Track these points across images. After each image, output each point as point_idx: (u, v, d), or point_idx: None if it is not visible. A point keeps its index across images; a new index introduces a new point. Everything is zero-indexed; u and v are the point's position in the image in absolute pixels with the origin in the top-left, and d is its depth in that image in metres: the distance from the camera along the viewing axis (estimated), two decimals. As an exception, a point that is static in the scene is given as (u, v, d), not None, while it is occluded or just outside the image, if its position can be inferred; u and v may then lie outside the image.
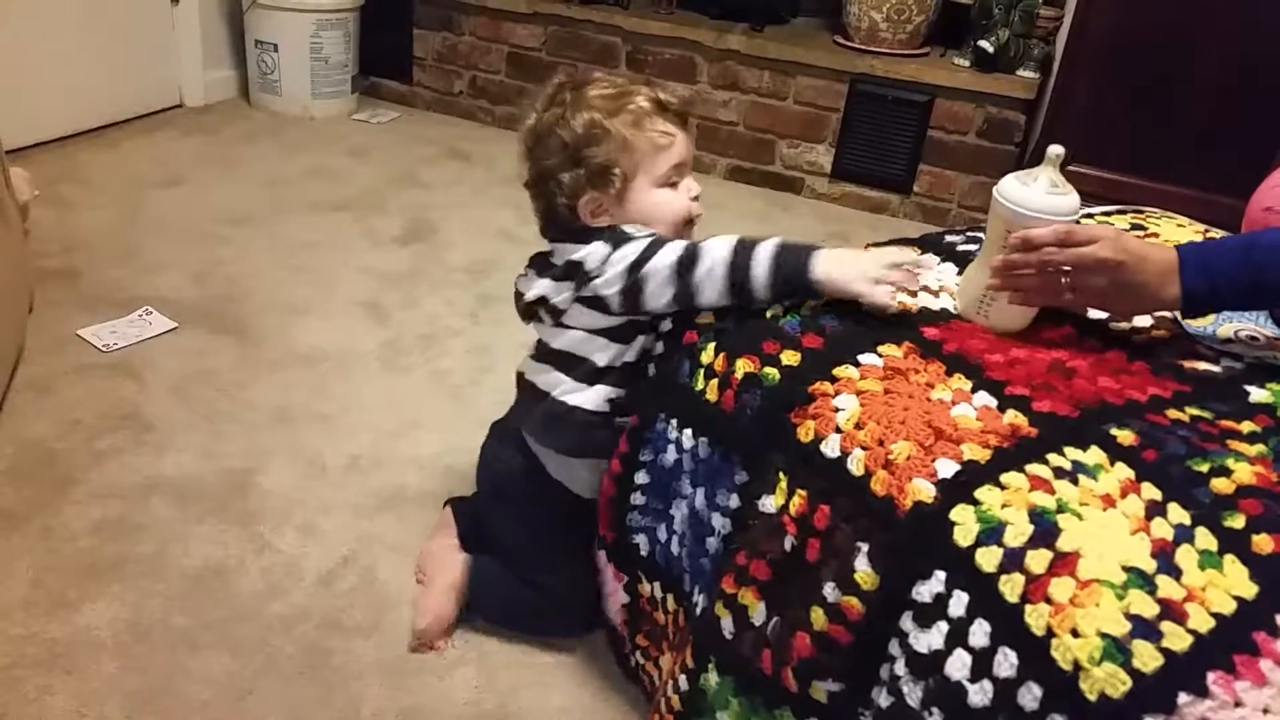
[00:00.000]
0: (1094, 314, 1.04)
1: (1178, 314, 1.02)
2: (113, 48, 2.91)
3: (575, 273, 1.09)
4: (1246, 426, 0.86)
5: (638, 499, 1.10)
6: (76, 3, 2.76)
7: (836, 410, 0.89)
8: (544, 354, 1.19)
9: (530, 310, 1.18)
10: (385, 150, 3.07)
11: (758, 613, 0.91)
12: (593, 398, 1.15)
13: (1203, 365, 0.97)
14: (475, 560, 1.32)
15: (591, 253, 1.08)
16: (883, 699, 0.81)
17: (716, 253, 1.03)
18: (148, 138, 2.94)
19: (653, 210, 1.12)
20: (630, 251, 1.06)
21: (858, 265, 0.99)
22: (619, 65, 3.15)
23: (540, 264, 1.16)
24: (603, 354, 1.13)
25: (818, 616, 0.84)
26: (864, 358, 0.94)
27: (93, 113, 2.90)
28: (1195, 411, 0.88)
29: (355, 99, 3.40)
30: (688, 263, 1.03)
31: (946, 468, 0.81)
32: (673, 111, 1.13)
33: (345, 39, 3.24)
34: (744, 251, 1.02)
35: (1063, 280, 0.95)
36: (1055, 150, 0.97)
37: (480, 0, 3.24)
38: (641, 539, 1.11)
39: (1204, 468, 0.79)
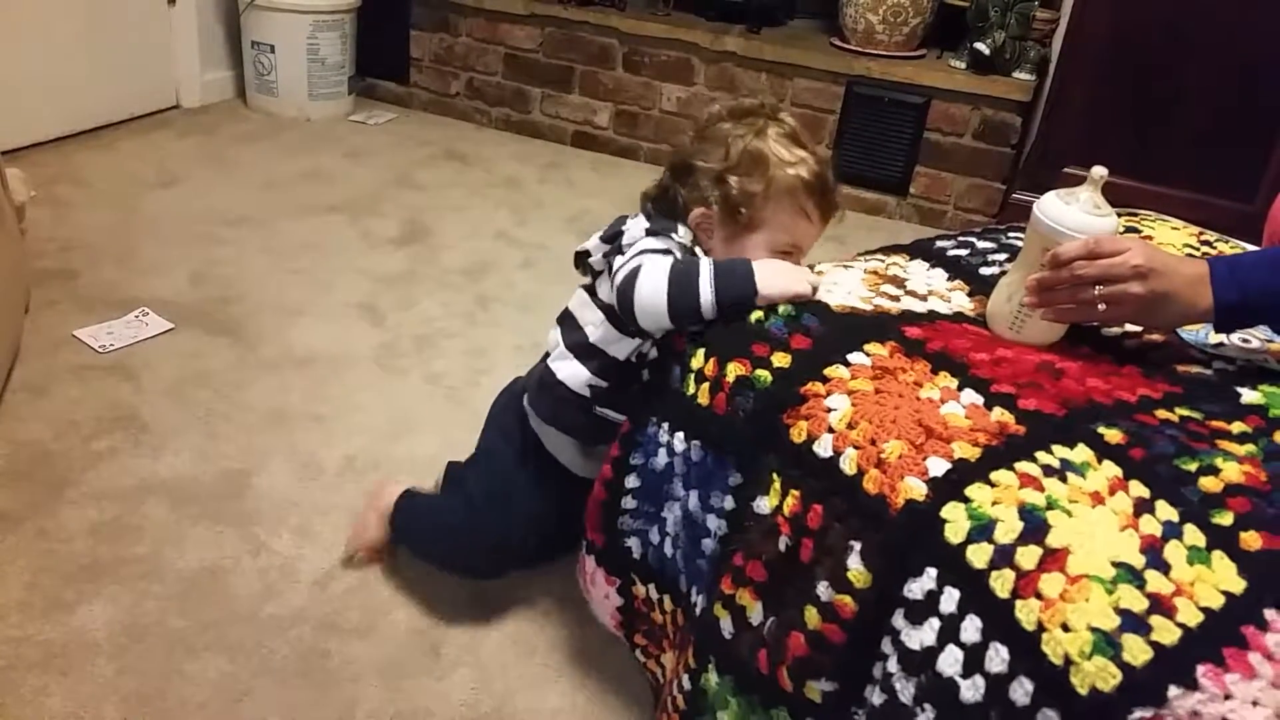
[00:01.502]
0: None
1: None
2: (109, 48, 2.91)
3: (616, 239, 1.11)
4: (1237, 427, 0.86)
5: (629, 503, 1.10)
6: (73, 4, 2.76)
7: (829, 410, 0.89)
8: (563, 313, 1.22)
9: (578, 260, 1.19)
10: (382, 151, 3.07)
11: (755, 613, 0.91)
12: (575, 374, 1.17)
13: (1194, 368, 0.98)
14: (407, 489, 1.38)
15: (633, 228, 1.10)
16: (876, 697, 0.81)
17: (649, 296, 1.02)
18: (144, 138, 2.94)
19: None
20: (642, 246, 1.07)
21: (786, 274, 1.04)
22: (615, 67, 3.16)
23: (609, 228, 1.16)
24: (595, 329, 1.15)
25: (812, 616, 0.85)
26: (853, 357, 0.94)
27: (89, 113, 2.90)
28: (1185, 412, 0.88)
29: (352, 100, 3.40)
30: (625, 292, 1.03)
31: (937, 466, 0.81)
32: (830, 202, 1.13)
33: (342, 40, 3.24)
34: (681, 287, 1.01)
35: (1095, 293, 0.94)
36: (1099, 171, 0.97)
37: (477, 2, 3.24)
38: (634, 542, 1.11)
39: (1192, 466, 0.80)
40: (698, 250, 1.11)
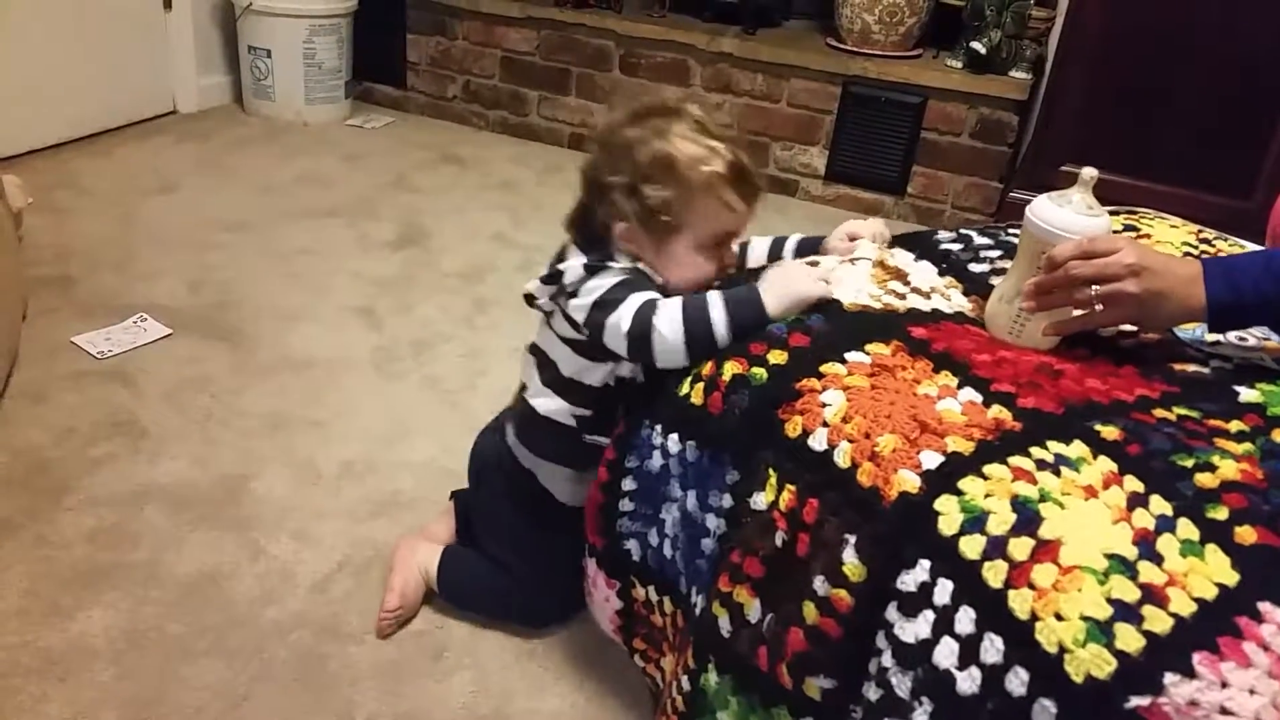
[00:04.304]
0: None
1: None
2: (106, 54, 2.91)
3: (557, 281, 1.10)
4: (1235, 426, 0.86)
5: (626, 505, 1.10)
6: (69, 10, 2.76)
7: (823, 405, 0.90)
8: (532, 346, 1.21)
9: (529, 300, 1.18)
10: (379, 155, 3.07)
11: (753, 610, 0.91)
12: (556, 408, 1.16)
13: (1191, 367, 0.98)
14: (447, 547, 1.36)
15: (571, 269, 1.08)
16: (872, 692, 0.81)
17: (670, 342, 1.01)
18: (141, 144, 2.94)
19: (679, 268, 1.10)
20: (596, 289, 1.06)
21: (795, 285, 1.03)
22: (612, 69, 3.16)
23: (554, 259, 1.15)
24: (567, 363, 1.14)
25: (809, 610, 0.85)
26: (851, 355, 0.94)
27: (86, 120, 2.90)
28: (1183, 411, 0.88)
29: (349, 104, 3.40)
30: (642, 346, 1.02)
31: (931, 459, 0.82)
32: (750, 186, 1.08)
33: (338, 44, 3.24)
34: (698, 331, 1.01)
35: (1091, 292, 0.95)
36: (1089, 172, 0.98)
37: (473, 5, 3.24)
38: (633, 544, 1.11)
39: (1188, 463, 0.80)
40: (642, 267, 1.09)
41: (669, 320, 1.01)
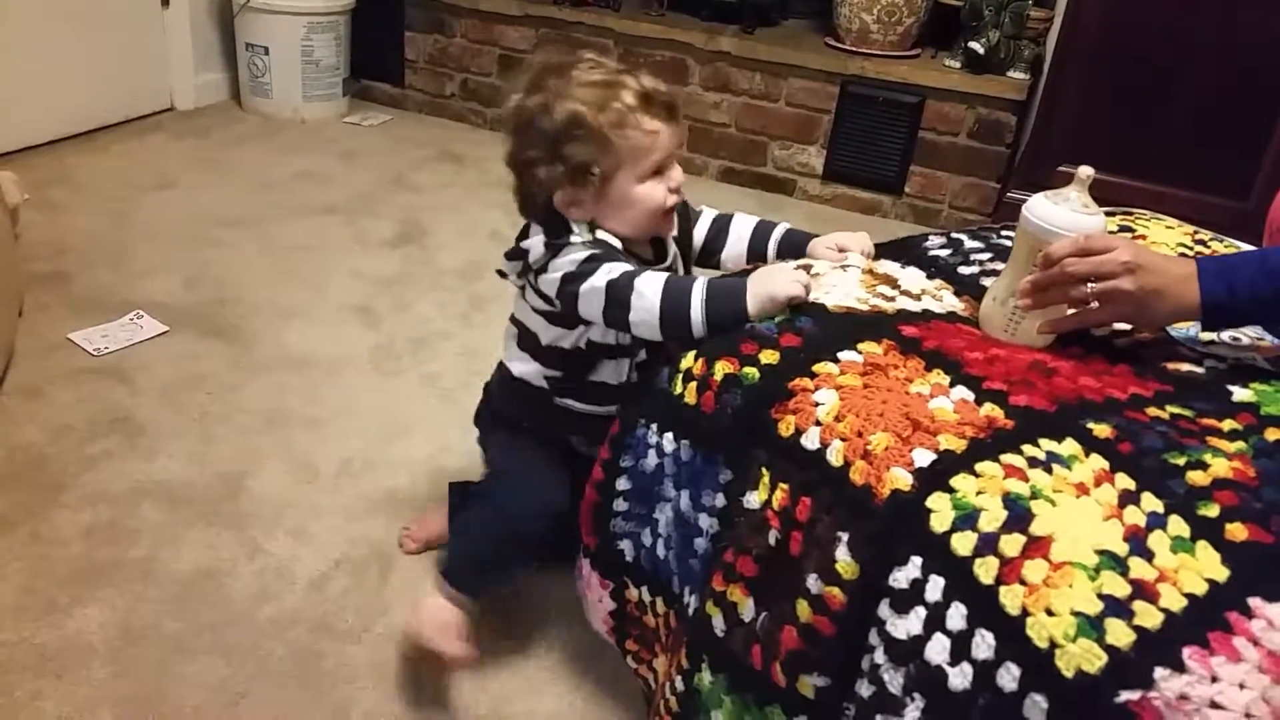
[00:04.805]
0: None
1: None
2: (103, 51, 2.91)
3: (522, 258, 1.11)
4: (1228, 424, 0.86)
5: (620, 505, 1.10)
6: (67, 7, 2.75)
7: (816, 404, 0.90)
8: (511, 317, 1.24)
9: (502, 274, 1.20)
10: (376, 153, 3.07)
11: (746, 609, 0.92)
12: (531, 370, 1.20)
13: (1185, 366, 0.98)
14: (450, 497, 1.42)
15: (533, 246, 1.10)
16: (864, 689, 0.81)
17: (647, 302, 1.02)
18: (139, 141, 2.93)
19: (631, 205, 1.10)
20: (565, 265, 1.07)
21: (772, 284, 1.03)
22: (610, 67, 3.15)
23: (517, 237, 1.16)
24: (545, 333, 1.17)
25: (803, 609, 0.85)
26: (843, 354, 0.95)
27: (83, 116, 2.89)
28: (1176, 410, 0.89)
29: (346, 102, 3.40)
30: (620, 304, 1.04)
31: (923, 457, 0.82)
32: (660, 104, 1.08)
33: (336, 42, 3.24)
34: (675, 304, 1.02)
35: (1087, 290, 0.95)
36: (1086, 171, 0.99)
37: (472, 3, 3.24)
38: (626, 545, 1.11)
39: (1180, 461, 0.80)
40: (602, 235, 1.10)
41: (651, 282, 1.03)
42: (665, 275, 1.04)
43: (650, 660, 1.17)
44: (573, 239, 1.09)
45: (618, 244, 1.11)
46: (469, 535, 1.28)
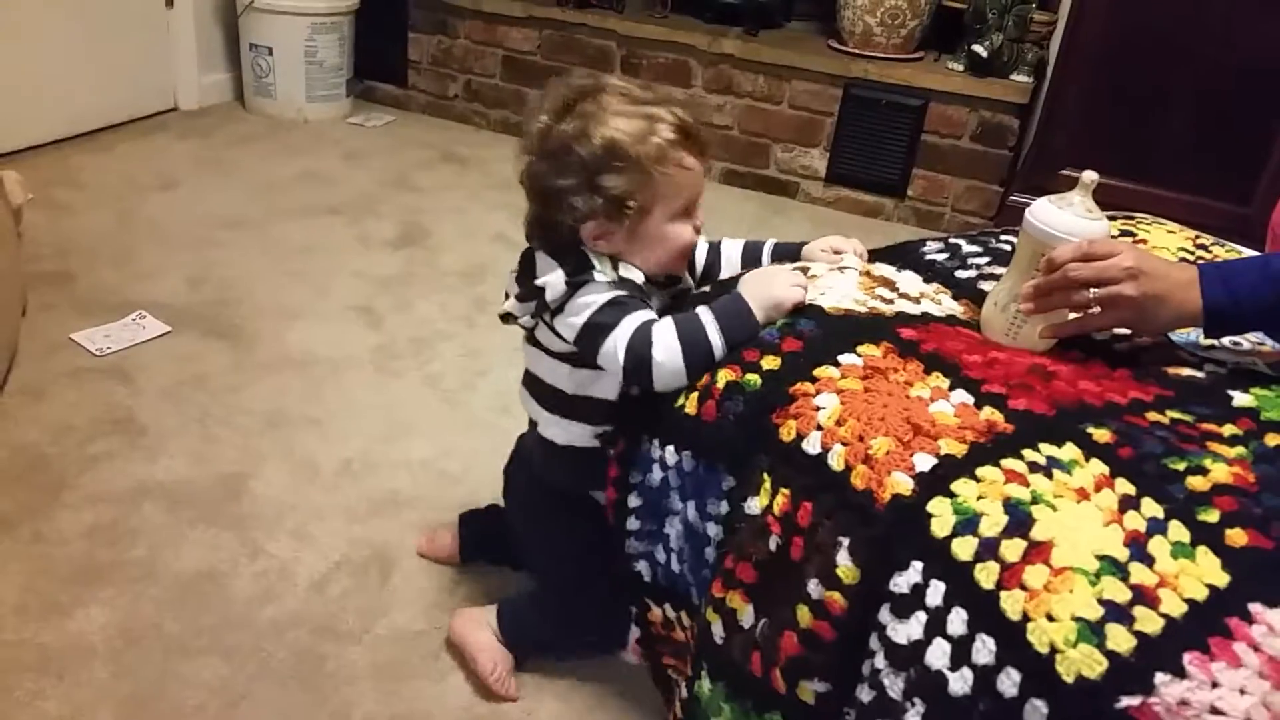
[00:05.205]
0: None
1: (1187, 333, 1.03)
2: (107, 51, 2.91)
3: (539, 297, 1.04)
4: (1228, 429, 0.86)
5: (633, 523, 1.09)
6: (71, 6, 2.76)
7: (817, 409, 0.90)
8: (525, 376, 1.17)
9: (506, 319, 1.12)
10: (379, 154, 3.07)
11: (745, 615, 0.92)
12: (574, 434, 1.12)
13: (1186, 371, 0.98)
14: (503, 602, 1.29)
15: (551, 285, 1.02)
16: (865, 694, 0.81)
17: (669, 363, 0.99)
18: (142, 141, 2.94)
19: (661, 242, 1.06)
20: (584, 307, 1.02)
21: (772, 290, 1.02)
22: (614, 69, 3.16)
23: (520, 270, 1.08)
24: (567, 381, 1.10)
25: (803, 614, 0.85)
26: (844, 358, 0.95)
27: (87, 116, 2.90)
28: (1176, 414, 0.89)
29: (350, 103, 3.40)
30: (640, 367, 1.00)
31: (924, 462, 0.82)
32: (695, 139, 1.04)
33: (340, 42, 3.24)
34: (694, 349, 0.99)
35: (1089, 295, 0.95)
36: (1090, 176, 0.98)
37: (475, 4, 3.24)
38: (642, 565, 1.10)
39: (1180, 466, 0.80)
40: (625, 274, 1.05)
41: (665, 348, 0.99)
42: (673, 328, 1.00)
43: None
44: (596, 276, 1.03)
45: (640, 279, 1.06)
46: (526, 638, 1.26)
